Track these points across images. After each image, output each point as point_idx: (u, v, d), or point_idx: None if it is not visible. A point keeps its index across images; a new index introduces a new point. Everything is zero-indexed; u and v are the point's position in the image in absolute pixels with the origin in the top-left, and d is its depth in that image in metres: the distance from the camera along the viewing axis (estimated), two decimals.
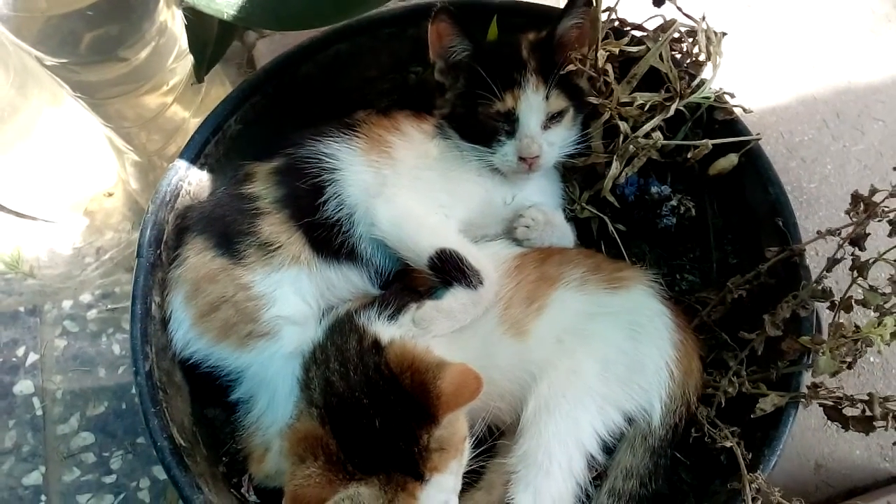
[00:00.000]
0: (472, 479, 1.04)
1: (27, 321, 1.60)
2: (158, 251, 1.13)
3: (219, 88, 1.57)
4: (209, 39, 1.02)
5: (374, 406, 0.92)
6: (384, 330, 1.02)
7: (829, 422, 1.34)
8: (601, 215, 1.22)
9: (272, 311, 1.07)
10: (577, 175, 1.25)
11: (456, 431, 0.94)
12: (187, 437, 1.06)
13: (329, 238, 1.11)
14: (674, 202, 1.21)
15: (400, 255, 1.11)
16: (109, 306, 1.62)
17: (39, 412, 1.51)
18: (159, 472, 1.46)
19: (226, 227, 1.11)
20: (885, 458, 1.33)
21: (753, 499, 0.95)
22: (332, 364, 0.98)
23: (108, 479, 1.45)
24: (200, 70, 1.06)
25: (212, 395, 1.13)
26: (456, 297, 1.05)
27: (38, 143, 1.56)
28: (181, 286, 1.11)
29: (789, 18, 1.82)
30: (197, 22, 0.97)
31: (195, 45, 1.03)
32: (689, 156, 1.18)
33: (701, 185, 1.24)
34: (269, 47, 1.73)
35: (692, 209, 1.22)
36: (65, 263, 1.67)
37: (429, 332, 1.04)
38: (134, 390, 1.50)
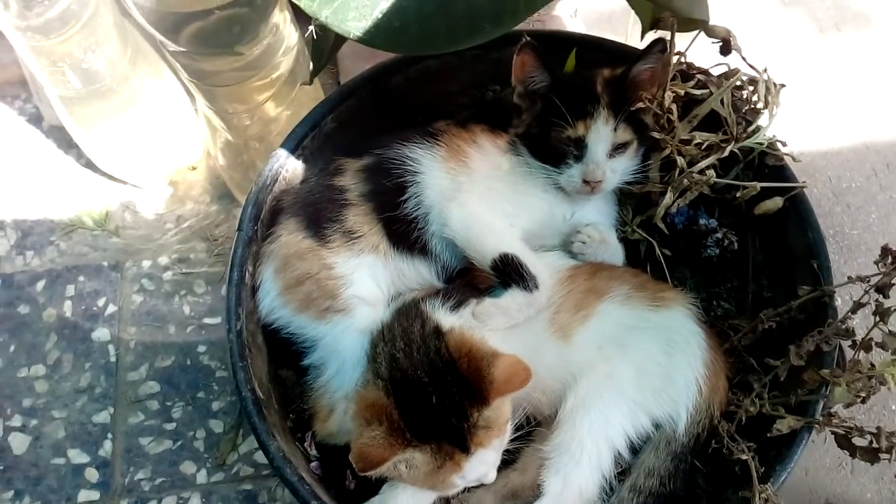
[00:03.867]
0: (509, 459, 1.09)
1: (109, 275, 1.68)
2: (255, 227, 1.21)
3: (308, 87, 1.68)
4: (325, 49, 1.13)
5: (433, 384, 0.99)
6: (445, 318, 1.09)
7: (843, 463, 1.35)
8: (650, 239, 1.27)
9: (350, 290, 1.15)
10: (631, 200, 1.29)
11: (502, 414, 1.00)
12: (264, 391, 1.13)
13: (405, 233, 1.19)
14: (719, 235, 1.25)
15: (466, 254, 1.17)
16: (184, 270, 1.68)
17: (113, 358, 1.58)
18: (215, 426, 1.52)
19: (316, 213, 1.19)
20: None
21: None
22: (397, 343, 1.05)
23: (169, 427, 1.52)
24: (315, 74, 1.19)
25: (286, 359, 1.20)
26: (513, 298, 1.11)
27: (140, 113, 1.62)
28: (272, 260, 1.19)
29: (849, 69, 1.83)
30: (322, 35, 1.08)
31: (315, 54, 1.14)
32: (737, 195, 1.21)
33: (745, 222, 1.28)
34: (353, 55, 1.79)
35: (735, 243, 1.26)
36: (147, 227, 1.74)
37: (485, 325, 1.10)
38: (202, 348, 1.60)
